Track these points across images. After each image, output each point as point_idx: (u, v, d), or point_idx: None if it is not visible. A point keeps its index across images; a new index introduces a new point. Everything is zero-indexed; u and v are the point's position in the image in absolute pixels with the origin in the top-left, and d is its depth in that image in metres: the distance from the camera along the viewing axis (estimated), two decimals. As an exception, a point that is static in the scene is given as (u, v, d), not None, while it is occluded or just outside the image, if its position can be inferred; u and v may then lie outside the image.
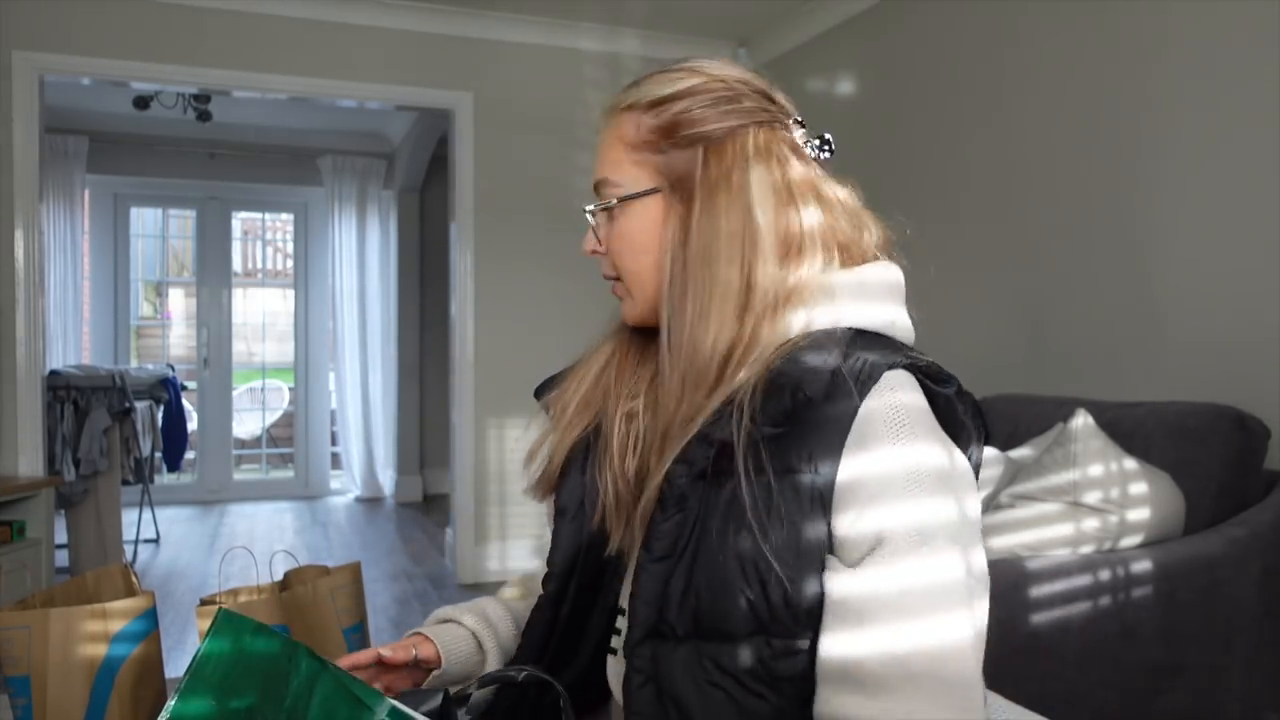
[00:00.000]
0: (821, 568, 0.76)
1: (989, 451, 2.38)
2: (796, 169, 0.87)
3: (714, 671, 0.77)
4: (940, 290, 3.25)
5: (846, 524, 0.76)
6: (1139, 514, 1.96)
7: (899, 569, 0.73)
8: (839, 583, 0.75)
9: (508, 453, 4.32)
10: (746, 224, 0.83)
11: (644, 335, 0.95)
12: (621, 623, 0.89)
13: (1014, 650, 1.78)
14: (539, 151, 4.36)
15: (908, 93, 3.55)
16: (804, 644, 0.76)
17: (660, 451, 0.83)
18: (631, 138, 0.89)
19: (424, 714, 0.73)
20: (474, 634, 1.01)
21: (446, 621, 1.03)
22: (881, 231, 0.92)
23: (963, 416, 0.82)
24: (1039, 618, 1.78)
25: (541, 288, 4.34)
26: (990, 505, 2.19)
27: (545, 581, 0.96)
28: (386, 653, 0.92)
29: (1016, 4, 3.02)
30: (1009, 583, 1.80)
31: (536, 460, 0.99)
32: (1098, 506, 1.96)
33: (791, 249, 0.84)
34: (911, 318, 0.90)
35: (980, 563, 0.78)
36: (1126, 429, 2.15)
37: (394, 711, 0.67)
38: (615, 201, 0.89)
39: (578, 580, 0.94)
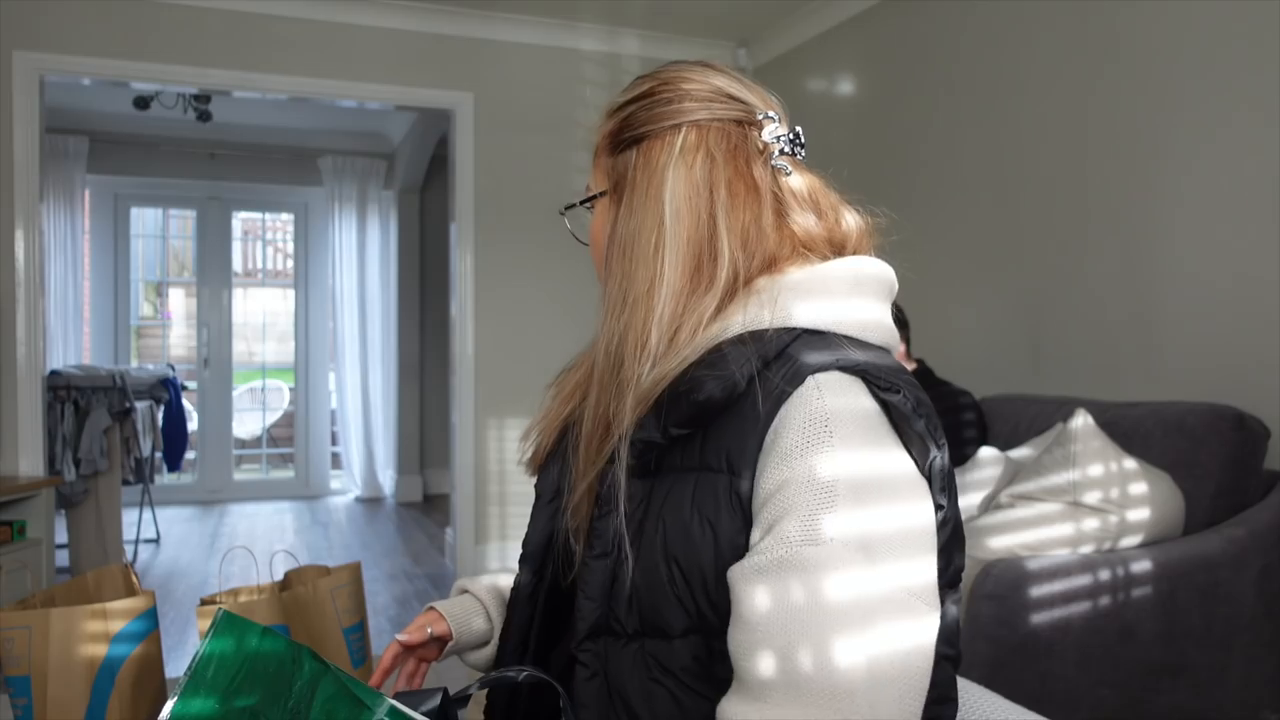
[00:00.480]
0: None
1: (989, 451, 2.38)
2: (724, 169, 0.84)
3: (656, 669, 0.78)
4: (940, 290, 3.25)
5: (758, 533, 0.74)
6: (1139, 514, 1.96)
7: (792, 581, 0.70)
8: (738, 586, 0.73)
9: (508, 453, 4.32)
10: (659, 222, 0.83)
11: None
12: None
13: (1014, 650, 1.78)
14: (539, 151, 4.36)
15: (908, 93, 3.55)
16: None
17: (595, 446, 0.84)
18: (597, 145, 0.92)
19: (423, 714, 0.73)
20: (482, 604, 1.06)
21: (464, 593, 1.08)
22: (862, 223, 0.89)
23: (912, 425, 0.76)
24: (1039, 618, 1.79)
25: (541, 287, 4.35)
26: (990, 505, 2.19)
27: (521, 561, 0.97)
28: (404, 638, 0.99)
29: (1016, 4, 3.02)
30: (1009, 583, 1.80)
31: (530, 437, 1.01)
32: (1098, 506, 1.96)
33: (705, 255, 0.82)
34: (910, 316, 0.90)
35: (919, 576, 0.73)
36: (1126, 429, 2.15)
37: (393, 711, 0.67)
38: (577, 204, 0.93)
39: (554, 563, 0.95)
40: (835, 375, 0.75)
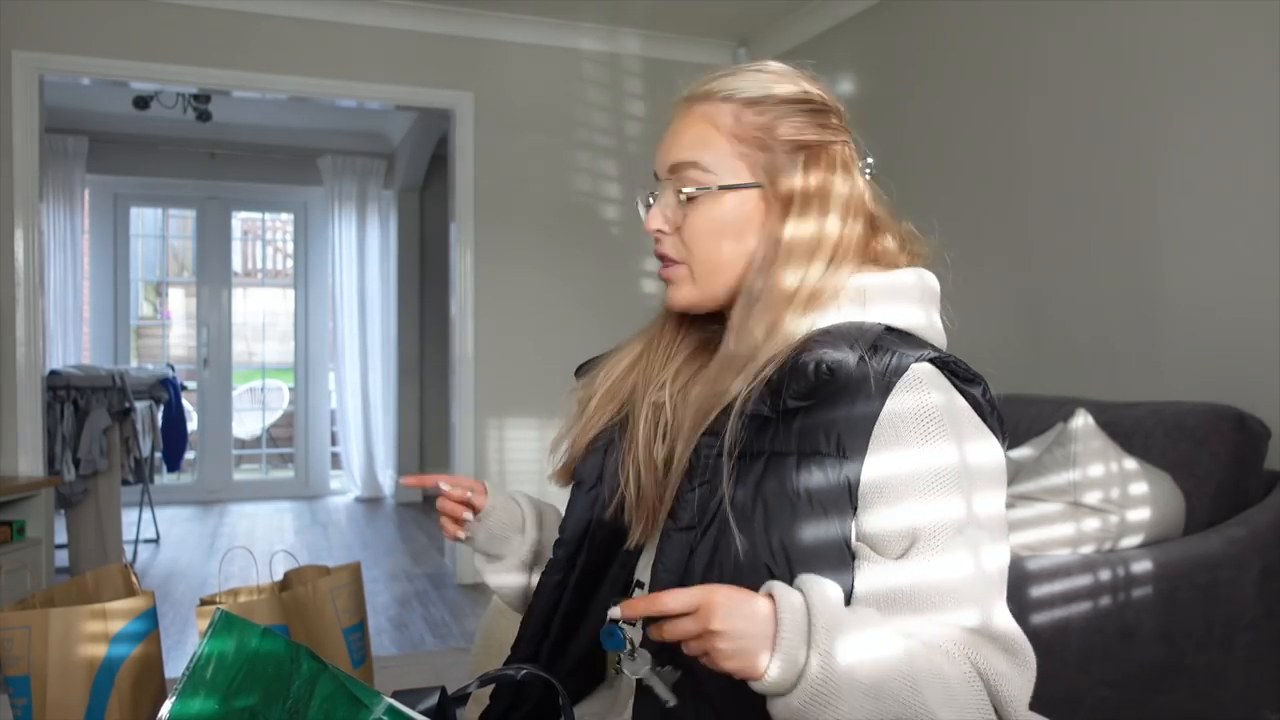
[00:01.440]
0: (845, 556, 0.80)
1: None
2: (859, 184, 0.93)
3: None
4: (940, 290, 3.24)
5: (878, 519, 0.79)
6: (1139, 514, 1.95)
7: (943, 560, 0.77)
8: (880, 574, 0.78)
9: (508, 453, 4.31)
10: (827, 231, 0.89)
11: (675, 330, 1.00)
12: (639, 594, 0.93)
13: (1014, 650, 1.77)
14: (539, 151, 4.36)
15: (908, 92, 3.55)
16: None
17: (691, 428, 0.86)
18: (732, 129, 0.91)
19: (421, 713, 0.73)
20: (523, 516, 1.09)
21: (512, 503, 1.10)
22: (918, 243, 0.98)
23: (986, 418, 0.85)
24: (1039, 618, 1.78)
25: (541, 287, 4.34)
26: (990, 505, 2.19)
27: (556, 546, 0.99)
28: (445, 485, 1.04)
29: (1017, 4, 3.02)
30: (1009, 583, 1.80)
31: (560, 449, 1.03)
32: (1098, 506, 1.96)
33: (836, 254, 0.90)
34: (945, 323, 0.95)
35: (1006, 555, 0.83)
36: (1126, 429, 2.15)
37: (391, 710, 0.67)
38: (715, 188, 0.91)
39: (587, 552, 0.97)
40: (929, 368, 0.83)
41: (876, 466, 0.79)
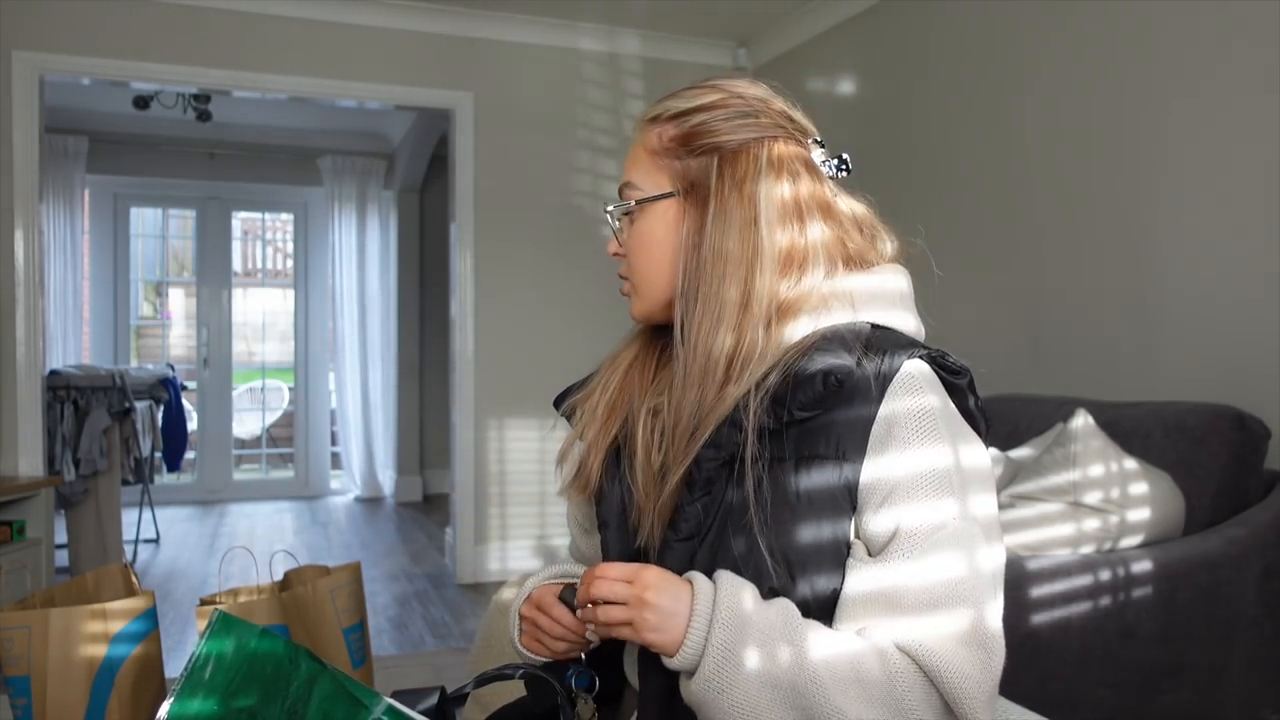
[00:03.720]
0: (843, 557, 0.81)
1: (989, 451, 2.37)
2: (806, 184, 0.91)
3: None
4: (939, 289, 3.24)
5: (876, 519, 0.80)
6: (1139, 514, 1.95)
7: (929, 559, 0.78)
8: (869, 574, 0.79)
9: (508, 453, 4.31)
10: (753, 232, 0.87)
11: (664, 333, 0.99)
12: None
13: (1014, 650, 1.77)
14: (539, 151, 4.36)
15: (908, 93, 3.55)
16: None
17: (685, 440, 0.86)
18: (654, 146, 0.93)
19: (421, 712, 0.73)
20: None
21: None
22: (896, 243, 0.98)
23: (974, 407, 0.87)
24: (1039, 618, 1.78)
25: (541, 288, 4.34)
26: (990, 505, 2.19)
27: None
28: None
29: (1016, 4, 3.02)
30: (1009, 583, 1.79)
31: (569, 462, 1.01)
32: (1098, 506, 1.96)
33: (795, 260, 0.88)
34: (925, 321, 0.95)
35: (1000, 556, 0.83)
36: (1126, 429, 2.15)
37: (390, 710, 0.67)
38: (633, 204, 0.93)
39: None
40: (921, 365, 0.84)
41: (875, 467, 0.80)
